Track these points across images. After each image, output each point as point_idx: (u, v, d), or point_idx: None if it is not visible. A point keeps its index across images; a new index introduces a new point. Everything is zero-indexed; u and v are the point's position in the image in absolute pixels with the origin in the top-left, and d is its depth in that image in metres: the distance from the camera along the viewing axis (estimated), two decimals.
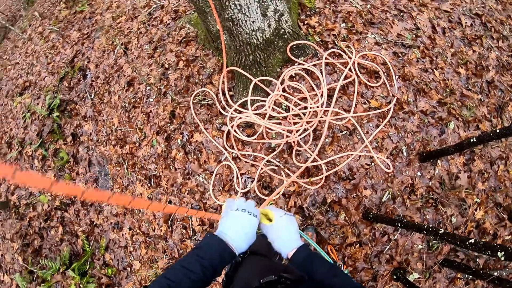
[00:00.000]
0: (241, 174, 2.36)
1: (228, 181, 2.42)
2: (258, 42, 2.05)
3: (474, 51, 2.57)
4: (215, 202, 2.42)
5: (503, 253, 1.23)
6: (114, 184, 3.00)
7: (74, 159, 3.17)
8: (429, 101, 2.35)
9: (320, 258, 0.90)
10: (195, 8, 2.14)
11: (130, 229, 2.81)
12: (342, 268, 1.16)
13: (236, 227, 0.88)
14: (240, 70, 2.27)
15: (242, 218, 0.90)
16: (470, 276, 2.10)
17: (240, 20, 1.89)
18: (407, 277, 2.07)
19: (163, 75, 2.91)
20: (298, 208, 2.22)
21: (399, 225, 1.79)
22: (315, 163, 2.23)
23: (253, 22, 1.91)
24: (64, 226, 3.16)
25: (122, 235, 2.86)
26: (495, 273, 2.24)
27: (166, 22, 3.13)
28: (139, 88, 3.03)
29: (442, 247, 2.10)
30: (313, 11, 2.63)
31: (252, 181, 2.32)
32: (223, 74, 2.43)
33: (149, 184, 2.76)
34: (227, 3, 1.82)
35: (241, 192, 2.32)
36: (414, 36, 2.56)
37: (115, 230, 2.90)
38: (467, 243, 1.38)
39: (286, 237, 0.94)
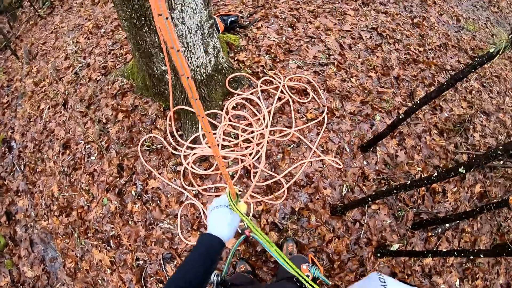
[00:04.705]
0: (207, 209, 2.35)
1: (195, 219, 2.38)
2: (202, 78, 2.18)
3: (377, 56, 3.11)
4: (187, 244, 2.34)
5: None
6: (65, 260, 2.67)
7: (13, 241, 2.75)
8: (354, 103, 2.74)
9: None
10: (137, 53, 2.16)
11: None
12: (320, 274, 1.21)
13: (219, 222, 1.02)
14: (187, 108, 2.36)
15: (222, 213, 1.03)
16: (440, 230, 2.37)
17: (186, 57, 2.00)
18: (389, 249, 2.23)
19: (102, 130, 2.82)
20: (272, 224, 2.28)
21: (369, 200, 1.88)
22: (274, 179, 2.37)
23: (197, 58, 2.05)
24: None
25: None
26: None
27: (96, 79, 3.09)
28: (77, 148, 2.86)
29: (407, 215, 2.37)
30: (239, 48, 2.92)
31: None
32: (169, 115, 2.49)
33: (108, 247, 2.53)
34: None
35: None
36: (327, 55, 3.01)
37: None
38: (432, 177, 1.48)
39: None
